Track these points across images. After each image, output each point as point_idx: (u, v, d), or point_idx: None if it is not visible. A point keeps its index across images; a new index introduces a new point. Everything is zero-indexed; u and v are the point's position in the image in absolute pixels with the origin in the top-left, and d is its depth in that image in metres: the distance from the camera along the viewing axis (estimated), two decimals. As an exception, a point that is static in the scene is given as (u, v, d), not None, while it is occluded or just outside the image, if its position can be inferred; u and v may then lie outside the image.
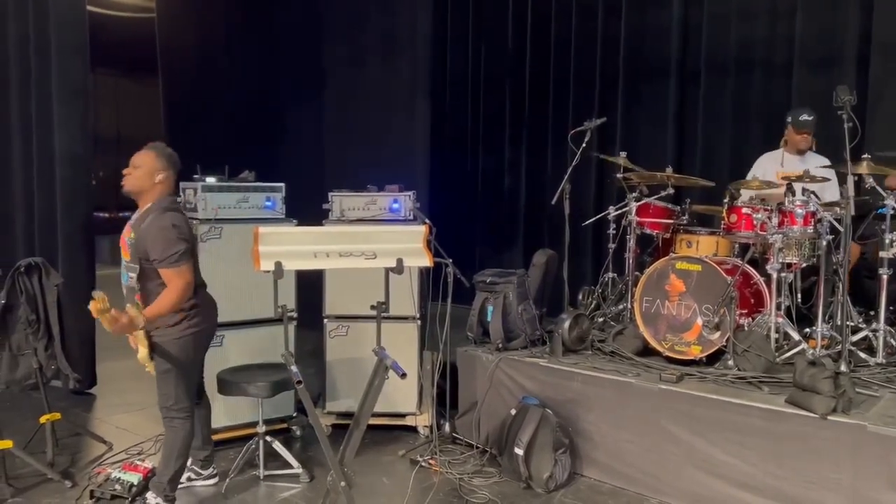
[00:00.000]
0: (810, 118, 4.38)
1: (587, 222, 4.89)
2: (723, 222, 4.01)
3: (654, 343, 3.95)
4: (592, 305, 4.84)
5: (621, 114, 6.24)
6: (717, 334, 3.73)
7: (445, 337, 3.86)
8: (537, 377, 3.96)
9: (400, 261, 2.67)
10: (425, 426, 4.40)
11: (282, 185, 4.34)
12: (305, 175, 5.71)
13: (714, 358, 3.81)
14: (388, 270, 2.96)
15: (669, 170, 4.33)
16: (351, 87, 7.03)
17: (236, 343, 4.21)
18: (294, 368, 2.56)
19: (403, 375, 2.52)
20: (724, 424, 3.34)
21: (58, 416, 4.06)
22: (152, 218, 3.10)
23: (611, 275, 4.90)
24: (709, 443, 3.38)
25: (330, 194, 4.42)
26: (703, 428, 3.41)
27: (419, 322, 4.39)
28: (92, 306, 2.72)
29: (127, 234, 3.15)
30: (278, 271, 2.54)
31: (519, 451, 3.64)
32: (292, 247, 2.64)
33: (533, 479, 3.65)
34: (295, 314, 4.36)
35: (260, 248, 2.57)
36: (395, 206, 4.37)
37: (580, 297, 4.92)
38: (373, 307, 2.92)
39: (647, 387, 3.59)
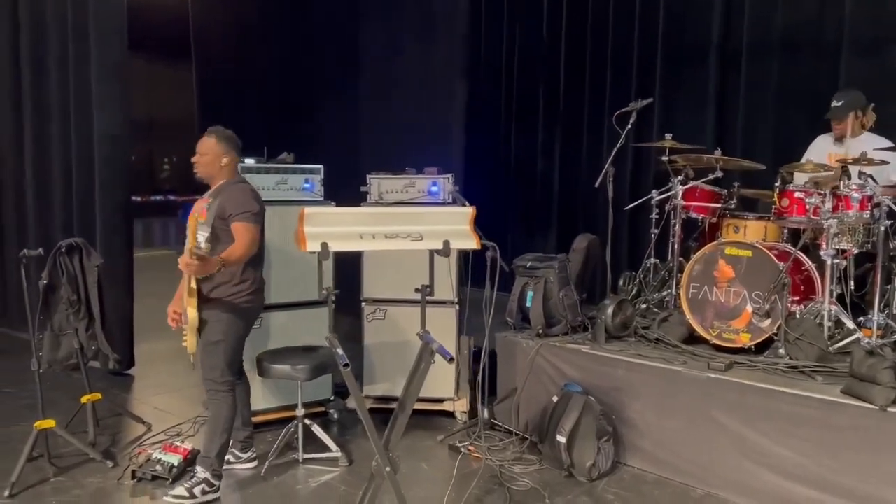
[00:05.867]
0: (838, 104, 4.17)
1: (629, 206, 4.75)
2: (774, 207, 3.87)
3: (700, 330, 3.85)
4: (634, 292, 4.73)
5: (659, 97, 6.08)
6: (768, 322, 3.62)
7: (490, 322, 3.78)
8: (579, 364, 3.88)
9: (447, 243, 2.61)
10: (463, 412, 4.35)
11: (320, 167, 4.29)
12: (340, 158, 5.65)
13: (763, 346, 3.70)
14: (432, 253, 2.90)
15: (718, 152, 4.18)
16: (387, 69, 6.96)
17: (274, 325, 4.19)
18: (340, 351, 2.52)
19: (451, 360, 2.47)
20: (777, 415, 3.24)
21: (99, 396, 4.08)
22: (233, 186, 3.35)
23: (653, 260, 4.78)
24: (760, 433, 3.28)
25: (368, 176, 4.37)
26: (754, 418, 3.30)
27: (457, 307, 4.32)
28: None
29: (205, 202, 3.29)
30: (324, 252, 2.48)
31: (561, 439, 3.57)
32: (338, 228, 2.58)
33: (575, 467, 3.58)
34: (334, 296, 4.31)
35: (305, 228, 2.52)
36: (434, 188, 4.31)
37: (621, 283, 4.82)
38: (417, 290, 2.86)
39: (696, 375, 3.49)
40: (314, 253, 2.50)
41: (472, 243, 2.67)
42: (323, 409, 4.38)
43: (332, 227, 2.57)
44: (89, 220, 5.28)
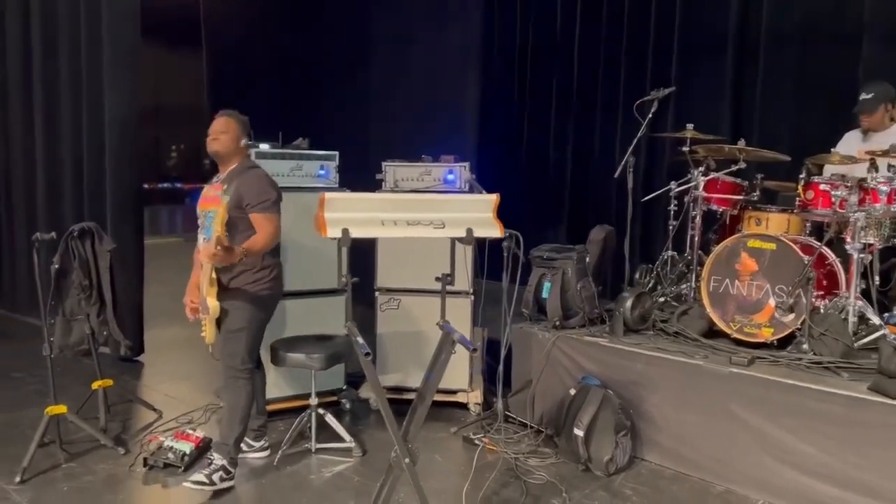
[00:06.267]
0: (868, 96, 4.08)
1: (647, 198, 4.68)
2: (798, 199, 3.79)
3: (721, 324, 3.78)
4: (650, 285, 4.67)
5: (674, 86, 5.96)
6: (791, 316, 3.55)
7: (508, 312, 3.73)
8: (597, 357, 3.82)
9: (470, 231, 2.54)
10: (476, 403, 4.30)
11: (335, 153, 4.23)
12: (351, 147, 5.60)
13: (785, 342, 3.63)
14: (453, 241, 2.84)
15: (742, 142, 4.10)
16: (398, 57, 6.87)
17: (288, 313, 4.14)
18: (360, 340, 2.46)
19: (474, 350, 2.41)
20: (801, 411, 3.17)
21: (110, 382, 4.04)
22: (246, 173, 3.27)
23: (670, 253, 4.71)
24: (783, 429, 3.22)
25: (384, 164, 4.31)
26: (777, 414, 3.24)
27: (472, 297, 4.26)
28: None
29: (216, 189, 3.20)
30: (345, 239, 2.42)
31: (579, 433, 3.52)
32: (359, 214, 2.52)
33: (592, 461, 3.52)
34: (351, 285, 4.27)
35: (326, 214, 2.46)
36: (451, 176, 4.24)
37: (637, 275, 4.75)
38: (437, 279, 2.80)
39: (717, 369, 3.43)
40: (335, 239, 2.44)
41: (496, 231, 2.60)
42: (335, 398, 4.33)
43: (353, 213, 2.51)
44: (100, 205, 5.23)
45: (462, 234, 2.56)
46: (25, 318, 6.45)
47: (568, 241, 6.22)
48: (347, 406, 4.32)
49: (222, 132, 3.29)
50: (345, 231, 2.43)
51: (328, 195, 2.48)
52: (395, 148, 4.85)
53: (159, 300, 5.68)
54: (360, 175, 4.37)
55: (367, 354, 2.37)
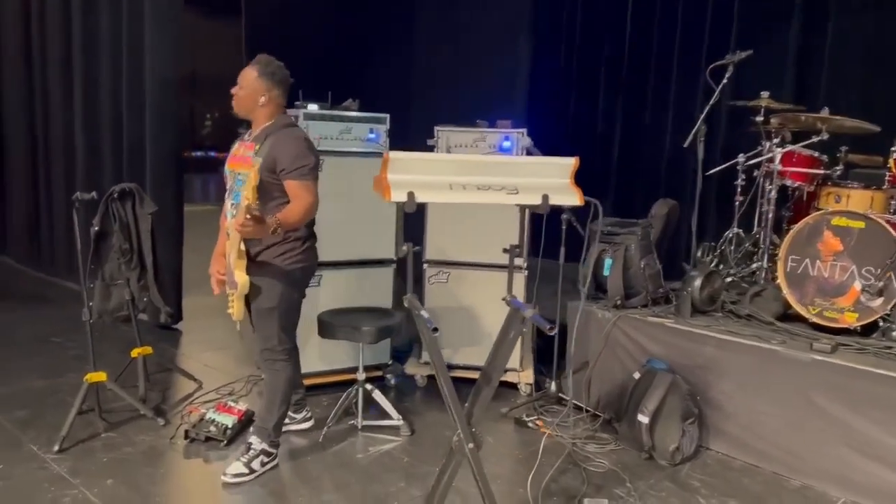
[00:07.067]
0: None
1: (713, 171, 4.37)
2: (888, 174, 3.49)
3: (798, 307, 3.51)
4: (713, 264, 4.39)
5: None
6: (880, 301, 3.28)
7: (580, 290, 3.50)
8: (662, 339, 3.58)
9: (546, 197, 2.31)
10: (527, 384, 4.10)
11: (386, 115, 4.00)
12: (394, 115, 5.39)
13: (869, 328, 3.37)
14: (523, 209, 2.62)
15: (826, 111, 3.79)
16: (443, 24, 6.60)
17: (331, 284, 3.95)
18: (425, 314, 2.25)
19: (551, 329, 2.19)
20: (890, 403, 2.92)
21: (149, 350, 3.90)
22: (281, 132, 2.91)
23: (735, 230, 4.43)
24: (869, 421, 2.97)
25: (436, 128, 4.08)
26: (863, 405, 2.99)
27: (526, 272, 4.04)
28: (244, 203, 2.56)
29: (247, 150, 2.89)
30: (410, 203, 2.20)
31: (643, 419, 3.29)
32: (425, 176, 2.28)
33: (656, 449, 3.31)
34: (395, 257, 4.09)
35: (389, 176, 2.23)
36: (507, 143, 4.00)
37: (699, 253, 4.48)
38: (505, 251, 2.59)
39: (796, 356, 3.17)
40: (399, 203, 2.22)
41: (575, 199, 2.36)
42: (380, 373, 4.15)
43: (419, 176, 2.28)
44: (139, 168, 5.08)
45: (537, 201, 2.32)
46: (64, 282, 6.38)
47: (615, 214, 5.94)
48: (392, 382, 4.15)
49: (240, 87, 2.94)
50: (410, 195, 2.20)
51: (392, 154, 2.25)
52: (440, 116, 4.60)
53: (194, 268, 5.53)
54: (402, 141, 4.12)
55: (435, 330, 2.16)
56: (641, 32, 6.51)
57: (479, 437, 2.40)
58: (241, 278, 2.82)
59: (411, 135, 4.19)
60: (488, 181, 2.32)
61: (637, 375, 3.43)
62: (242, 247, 2.82)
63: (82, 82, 5.75)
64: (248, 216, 2.54)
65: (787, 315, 3.59)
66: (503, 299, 2.55)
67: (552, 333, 2.31)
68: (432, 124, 4.14)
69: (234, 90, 2.97)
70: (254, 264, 2.88)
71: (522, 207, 2.57)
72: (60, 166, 6.25)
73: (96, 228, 3.65)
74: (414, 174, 2.29)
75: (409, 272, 2.42)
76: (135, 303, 3.80)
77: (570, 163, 2.38)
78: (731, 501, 2.99)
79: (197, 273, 5.29)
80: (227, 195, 3.00)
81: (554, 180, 2.39)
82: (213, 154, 17.47)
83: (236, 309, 2.94)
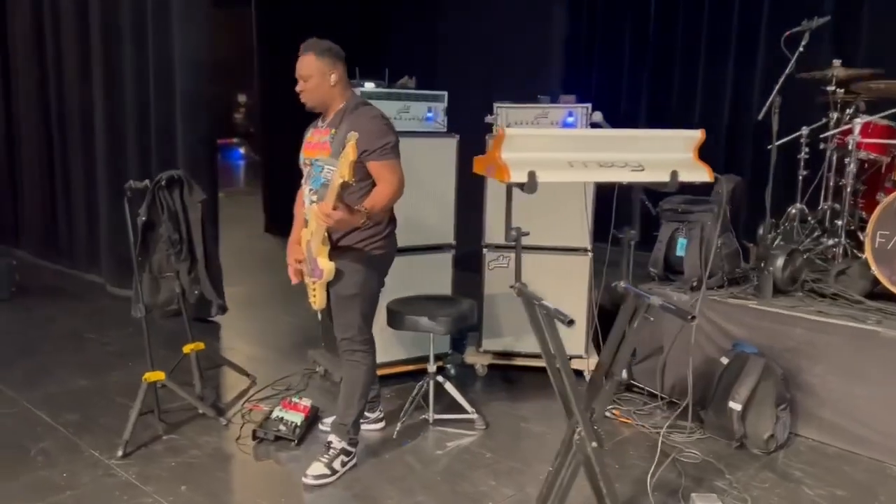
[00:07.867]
0: None
1: (776, 143, 4.16)
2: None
3: (889, 284, 3.35)
4: (775, 241, 4.22)
5: (768, 23, 5.34)
6: (982, 277, 3.13)
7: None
8: (746, 321, 3.42)
9: (675, 174, 2.13)
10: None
11: (444, 93, 3.79)
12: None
13: (966, 305, 3.22)
14: (638, 189, 2.44)
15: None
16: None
17: (390, 272, 3.74)
18: (549, 304, 2.07)
19: (693, 319, 2.01)
20: None
21: (201, 345, 3.71)
22: (356, 112, 2.76)
23: (798, 206, 4.27)
24: (982, 406, 2.83)
25: (495, 105, 3.87)
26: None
27: (591, 255, 3.87)
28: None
29: (323, 134, 2.77)
30: (531, 184, 2.01)
31: (735, 406, 3.14)
32: (544, 154, 2.09)
33: (749, 437, 3.15)
34: (454, 243, 3.92)
35: (504, 154, 2.04)
36: (570, 119, 3.80)
37: (760, 231, 4.30)
38: (619, 235, 2.41)
39: (897, 336, 3.02)
40: (519, 185, 2.03)
41: (704, 174, 2.18)
42: (441, 363, 3.97)
43: (537, 154, 2.09)
44: (170, 154, 4.84)
45: (665, 177, 2.14)
46: (84, 274, 6.14)
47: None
48: (453, 372, 3.97)
49: (306, 78, 2.75)
50: (531, 174, 2.01)
51: (509, 131, 2.06)
52: (472, 94, 4.37)
53: (224, 256, 5.34)
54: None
55: (571, 322, 1.98)
56: (667, 5, 6.21)
57: (602, 436, 2.23)
58: (326, 265, 2.66)
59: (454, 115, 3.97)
60: (611, 157, 2.14)
61: (725, 360, 3.27)
62: (326, 232, 2.64)
63: (102, 69, 5.45)
64: (337, 206, 2.41)
65: (875, 293, 3.44)
66: (615, 286, 2.37)
67: (692, 322, 2.13)
68: (459, 101, 3.94)
69: (299, 87, 2.78)
70: (335, 250, 2.73)
71: (635, 190, 2.38)
72: (78, 156, 5.96)
73: (143, 218, 3.43)
74: (531, 152, 2.10)
75: (518, 258, 2.25)
76: (185, 296, 3.59)
77: (696, 136, 2.19)
78: (839, 492, 2.85)
79: (226, 262, 5.09)
80: (303, 181, 2.84)
81: (678, 155, 2.20)
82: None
83: (318, 298, 2.79)
